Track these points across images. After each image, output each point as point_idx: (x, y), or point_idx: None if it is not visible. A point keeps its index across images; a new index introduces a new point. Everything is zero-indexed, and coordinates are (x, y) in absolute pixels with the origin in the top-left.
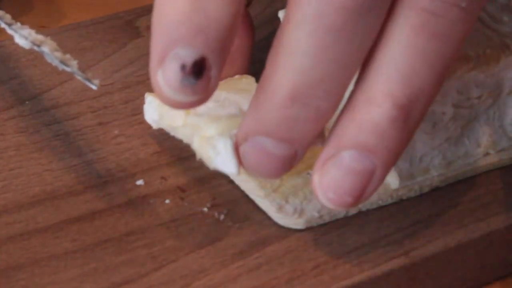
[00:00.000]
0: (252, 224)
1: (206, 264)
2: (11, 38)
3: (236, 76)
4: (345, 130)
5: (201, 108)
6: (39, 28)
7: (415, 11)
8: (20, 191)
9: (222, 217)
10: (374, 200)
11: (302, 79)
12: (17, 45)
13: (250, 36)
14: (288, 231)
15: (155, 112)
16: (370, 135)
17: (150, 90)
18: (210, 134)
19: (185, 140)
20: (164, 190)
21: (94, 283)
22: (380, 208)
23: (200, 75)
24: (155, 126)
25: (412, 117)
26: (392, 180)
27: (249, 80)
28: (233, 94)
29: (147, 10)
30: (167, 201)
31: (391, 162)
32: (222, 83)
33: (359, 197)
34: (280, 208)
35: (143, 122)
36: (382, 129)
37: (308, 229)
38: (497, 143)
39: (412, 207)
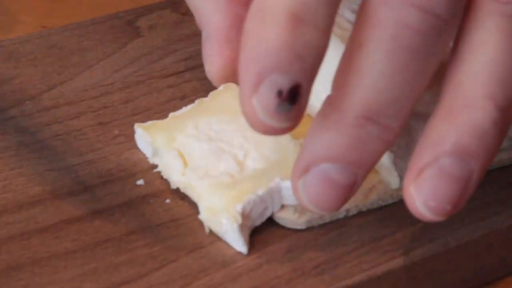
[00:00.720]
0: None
1: (206, 264)
2: (11, 37)
3: (221, 87)
4: (443, 136)
5: (196, 153)
6: (39, 28)
7: (504, 17)
8: (20, 191)
9: None
10: (374, 200)
11: (377, 98)
12: (17, 45)
13: None
14: (288, 231)
15: (149, 147)
16: (472, 139)
17: (150, 90)
18: (215, 206)
19: (182, 189)
20: (164, 190)
21: (94, 283)
22: (380, 208)
23: (294, 101)
24: (149, 159)
25: (509, 118)
26: (392, 180)
27: (234, 92)
28: (225, 124)
29: (147, 10)
30: (167, 201)
31: (488, 165)
32: (210, 97)
33: (458, 203)
34: (280, 208)
35: (143, 122)
36: (484, 131)
37: (308, 229)
38: None
39: None
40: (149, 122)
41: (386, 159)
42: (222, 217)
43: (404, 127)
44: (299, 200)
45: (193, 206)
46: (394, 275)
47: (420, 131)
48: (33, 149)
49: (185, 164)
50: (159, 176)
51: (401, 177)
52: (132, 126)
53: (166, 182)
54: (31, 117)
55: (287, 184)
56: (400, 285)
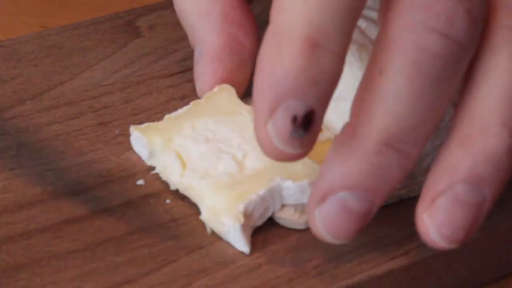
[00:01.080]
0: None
1: (207, 264)
2: (11, 37)
3: (215, 89)
4: (458, 163)
5: (194, 154)
6: (40, 28)
7: None
8: (20, 191)
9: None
10: None
11: (397, 124)
12: (17, 45)
13: (258, 42)
14: (288, 231)
15: (145, 149)
16: (486, 166)
17: (150, 90)
18: (217, 207)
19: (182, 191)
20: (164, 190)
21: (94, 283)
22: (380, 208)
23: (308, 127)
24: (146, 161)
25: None
26: None
27: (229, 93)
28: (222, 125)
29: (147, 10)
30: (167, 201)
31: (499, 192)
32: (205, 99)
33: (470, 231)
34: (280, 208)
35: (143, 122)
36: (499, 159)
37: (308, 229)
38: None
39: (412, 207)
40: (145, 124)
41: None
42: (224, 217)
43: (420, 154)
44: (313, 228)
45: (193, 206)
46: (394, 275)
47: None
48: (33, 149)
49: (184, 165)
50: (159, 176)
51: None
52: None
53: (166, 182)
54: (31, 117)
55: (287, 184)
56: (400, 285)
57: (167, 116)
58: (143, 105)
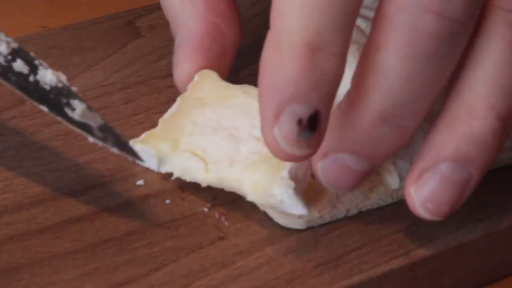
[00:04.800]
0: (252, 224)
1: (207, 264)
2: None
3: (195, 78)
4: (445, 143)
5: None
6: (39, 28)
7: (509, 27)
8: (20, 191)
9: (222, 217)
10: (374, 200)
11: (393, 101)
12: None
13: (240, 33)
14: (288, 231)
15: (153, 159)
16: (471, 147)
17: (150, 90)
18: (260, 183)
19: (214, 185)
20: (164, 190)
21: (94, 283)
22: (380, 208)
23: (314, 128)
24: (156, 170)
25: (509, 126)
26: (392, 180)
27: (212, 78)
28: (222, 111)
29: (147, 10)
30: (167, 201)
31: (486, 169)
32: (189, 90)
33: (454, 205)
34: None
35: (143, 122)
36: (484, 141)
37: (308, 229)
38: None
39: None
40: (143, 135)
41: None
42: (273, 189)
43: (420, 125)
44: (317, 179)
45: (193, 206)
46: (394, 275)
47: (421, 131)
48: (33, 149)
49: (204, 161)
50: (159, 176)
51: (401, 178)
52: (132, 126)
53: (166, 182)
54: (31, 117)
55: None
56: (400, 285)
57: (161, 120)
58: (143, 105)
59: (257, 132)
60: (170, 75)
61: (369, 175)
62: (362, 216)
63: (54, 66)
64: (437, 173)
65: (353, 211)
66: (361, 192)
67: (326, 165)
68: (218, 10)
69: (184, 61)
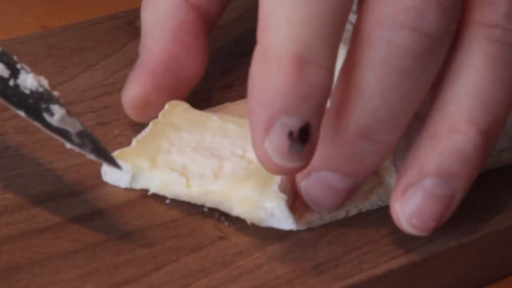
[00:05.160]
0: (252, 224)
1: (207, 264)
2: (11, 37)
3: (166, 106)
4: (427, 159)
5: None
6: (39, 28)
7: (489, 42)
8: (20, 191)
9: (222, 217)
10: (374, 200)
11: (372, 117)
12: (17, 45)
13: (203, 67)
14: (288, 231)
15: (126, 174)
16: (454, 162)
17: None
18: (250, 197)
19: (195, 200)
20: None
21: (94, 283)
22: (380, 208)
23: (305, 141)
24: (125, 186)
25: (492, 140)
26: (392, 181)
27: (184, 107)
28: (199, 133)
29: None
30: (167, 201)
31: (470, 183)
32: (161, 116)
33: (440, 220)
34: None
35: (143, 122)
36: (468, 156)
37: (308, 229)
38: (497, 143)
39: None
40: (117, 151)
41: (386, 161)
42: (264, 202)
43: (400, 138)
44: (302, 197)
45: (193, 206)
46: (394, 275)
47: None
48: (33, 149)
49: (185, 176)
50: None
51: None
52: (132, 126)
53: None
54: None
55: None
56: (400, 285)
57: (135, 139)
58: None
59: (240, 151)
60: None
61: (353, 193)
62: (362, 216)
63: (54, 66)
64: (421, 188)
65: (353, 212)
66: (361, 193)
67: (310, 184)
68: (184, 42)
69: (133, 82)
